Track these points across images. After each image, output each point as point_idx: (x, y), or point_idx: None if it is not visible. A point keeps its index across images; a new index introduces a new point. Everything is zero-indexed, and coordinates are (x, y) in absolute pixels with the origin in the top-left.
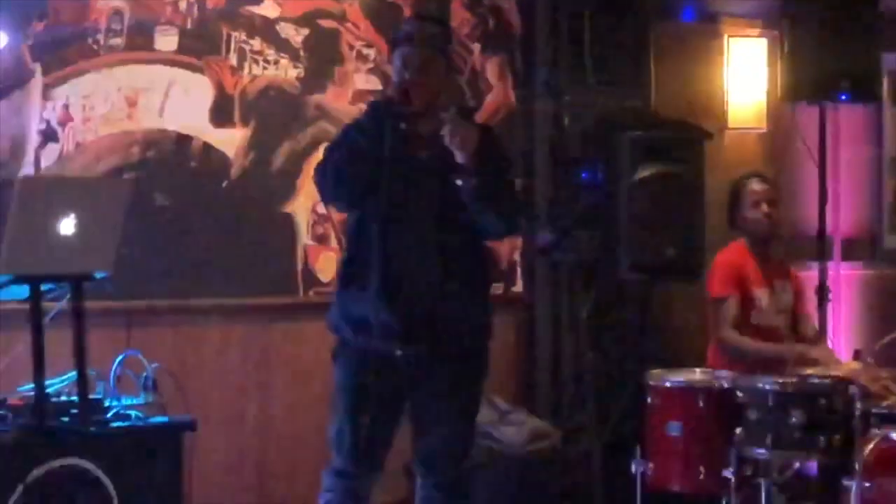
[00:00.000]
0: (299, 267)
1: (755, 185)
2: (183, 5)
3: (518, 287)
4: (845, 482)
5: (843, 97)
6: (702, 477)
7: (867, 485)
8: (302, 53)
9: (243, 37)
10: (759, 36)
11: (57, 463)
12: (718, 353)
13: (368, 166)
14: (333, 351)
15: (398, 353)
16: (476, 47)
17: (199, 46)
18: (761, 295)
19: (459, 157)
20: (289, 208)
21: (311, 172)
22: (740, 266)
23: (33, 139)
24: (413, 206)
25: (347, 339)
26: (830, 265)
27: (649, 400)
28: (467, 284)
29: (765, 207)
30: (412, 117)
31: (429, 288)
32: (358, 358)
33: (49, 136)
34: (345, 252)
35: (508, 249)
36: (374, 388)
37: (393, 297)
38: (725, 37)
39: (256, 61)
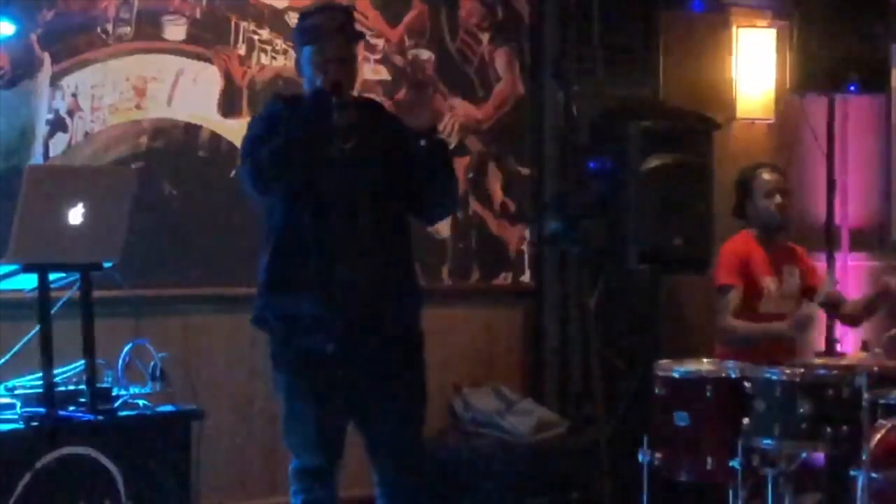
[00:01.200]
0: None
1: (767, 175)
2: None
3: (526, 277)
4: (853, 473)
5: (852, 88)
6: (709, 467)
7: (874, 475)
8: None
9: (252, 27)
10: (769, 26)
11: (65, 451)
12: (722, 344)
13: (304, 157)
14: (272, 350)
15: (329, 348)
16: (485, 37)
17: (208, 36)
18: (769, 283)
19: (416, 131)
20: None
21: None
22: (747, 255)
23: (42, 128)
24: (346, 197)
25: (281, 336)
26: (838, 256)
27: (657, 390)
28: (404, 274)
29: (778, 198)
30: (342, 108)
31: (368, 281)
32: (297, 355)
33: (58, 125)
34: (269, 245)
35: (516, 239)
36: (320, 382)
37: (331, 291)
38: (734, 27)
39: (265, 51)
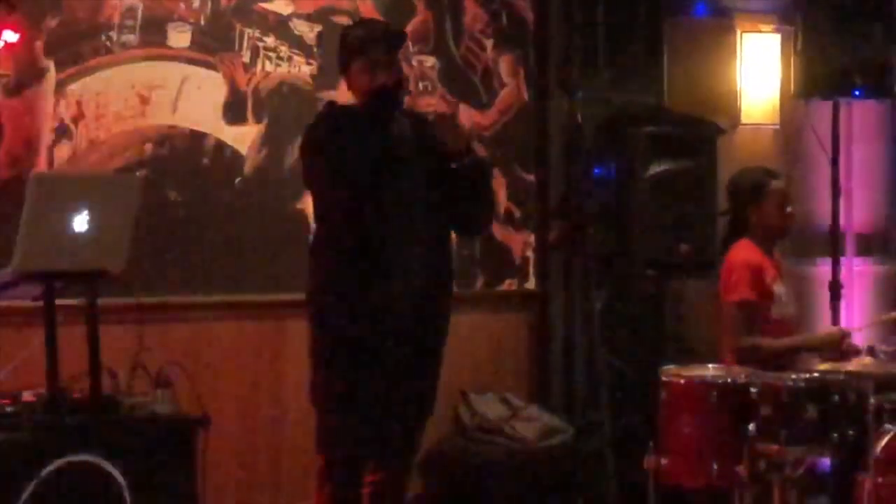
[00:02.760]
0: None
1: (778, 185)
2: (196, 2)
3: (531, 283)
4: (859, 477)
5: (857, 93)
6: (715, 473)
7: (880, 480)
8: (315, 50)
9: (256, 33)
10: (773, 31)
11: (70, 459)
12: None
13: (380, 155)
14: (332, 343)
15: (390, 344)
16: (489, 44)
17: (213, 43)
18: (778, 288)
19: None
20: (301, 205)
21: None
22: (759, 265)
23: (47, 136)
24: (407, 200)
25: (350, 332)
26: (843, 261)
27: (662, 395)
28: (449, 278)
29: (789, 208)
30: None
31: (423, 282)
32: (362, 349)
33: (62, 133)
34: (327, 241)
35: (522, 245)
36: (377, 378)
37: (397, 290)
38: (739, 32)
39: (269, 58)
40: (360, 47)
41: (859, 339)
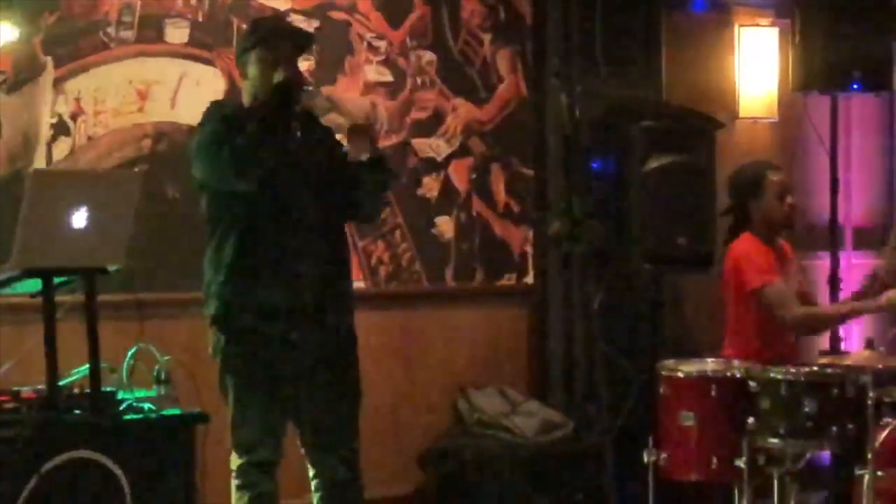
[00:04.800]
0: None
1: (776, 176)
2: None
3: (530, 278)
4: (858, 471)
5: (855, 86)
6: (714, 466)
7: (880, 474)
8: (313, 45)
9: None
10: (771, 25)
11: (70, 455)
12: (741, 344)
13: (272, 144)
14: (226, 348)
15: (294, 335)
16: (487, 38)
17: (210, 39)
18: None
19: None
20: None
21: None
22: (764, 255)
23: (45, 132)
24: (300, 192)
25: (248, 325)
26: (842, 255)
27: (662, 390)
28: (346, 274)
29: (789, 199)
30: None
31: (317, 275)
32: (262, 344)
33: (61, 129)
34: (229, 239)
35: (521, 240)
36: (271, 375)
37: (289, 282)
38: (736, 26)
39: None
40: (268, 39)
41: None
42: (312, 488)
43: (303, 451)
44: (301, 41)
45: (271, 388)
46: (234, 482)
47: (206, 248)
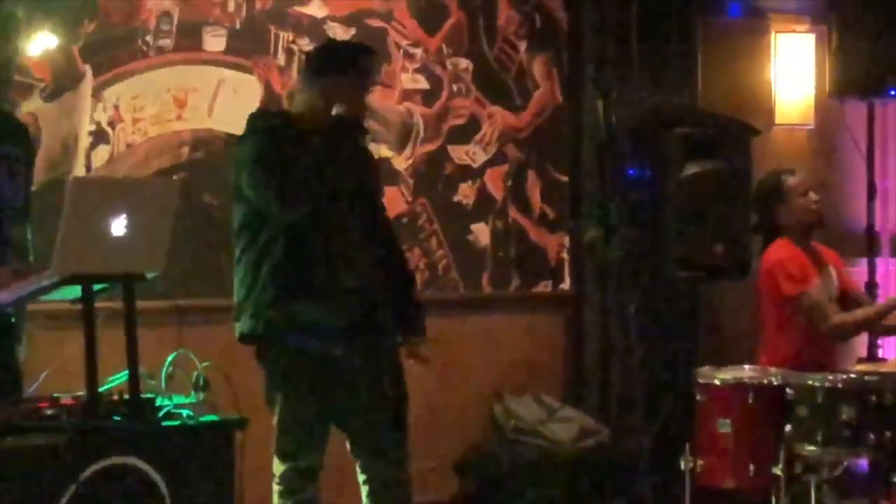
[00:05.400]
0: None
1: (794, 179)
2: (231, 6)
3: (566, 285)
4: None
5: (893, 92)
6: (751, 474)
7: None
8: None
9: (291, 37)
10: (807, 31)
11: (109, 462)
12: (776, 351)
13: (330, 178)
14: (273, 360)
15: (342, 347)
16: (522, 45)
17: (248, 47)
18: (815, 284)
19: None
20: None
21: None
22: (796, 258)
23: (84, 140)
24: (345, 204)
25: (293, 339)
26: (879, 261)
27: (698, 397)
28: (393, 277)
29: (813, 195)
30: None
31: (365, 288)
32: (309, 357)
33: (100, 137)
34: (272, 256)
35: (556, 247)
36: (328, 383)
37: (337, 294)
38: (773, 32)
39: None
40: (363, 65)
41: None
42: (364, 494)
43: (352, 456)
44: (371, 81)
45: (319, 399)
46: (276, 488)
47: (238, 259)
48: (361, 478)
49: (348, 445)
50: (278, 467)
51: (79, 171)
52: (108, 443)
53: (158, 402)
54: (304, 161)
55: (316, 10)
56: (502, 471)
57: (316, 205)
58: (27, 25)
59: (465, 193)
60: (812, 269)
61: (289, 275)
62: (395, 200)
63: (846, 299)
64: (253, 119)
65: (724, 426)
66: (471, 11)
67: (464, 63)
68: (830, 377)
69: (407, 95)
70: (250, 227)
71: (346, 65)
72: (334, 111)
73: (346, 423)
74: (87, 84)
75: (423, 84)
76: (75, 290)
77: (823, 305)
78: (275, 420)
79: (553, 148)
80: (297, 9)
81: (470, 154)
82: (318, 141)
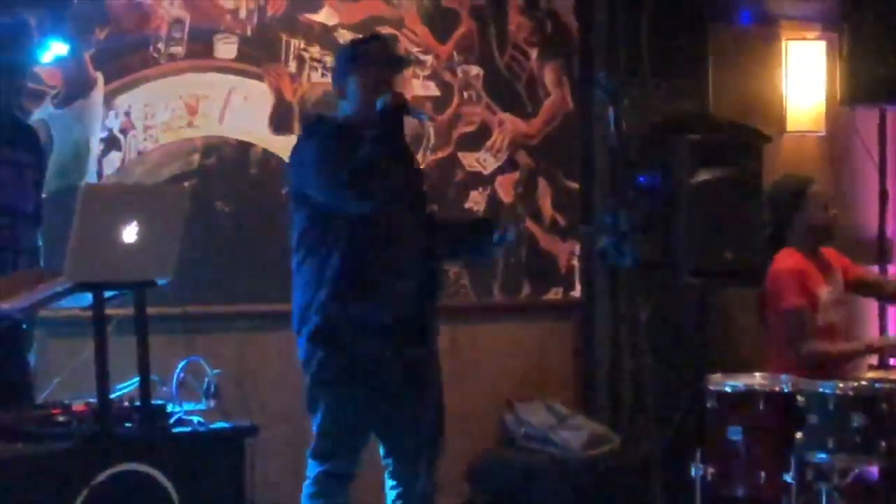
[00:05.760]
0: None
1: (816, 189)
2: (242, 13)
3: (576, 291)
4: None
5: None
6: (762, 482)
7: None
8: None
9: (302, 44)
10: (818, 39)
11: (120, 468)
12: (785, 363)
13: (390, 174)
14: (323, 356)
15: (392, 351)
16: (533, 52)
17: (259, 54)
18: (824, 293)
19: None
20: None
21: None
22: (805, 272)
23: (96, 147)
24: (401, 209)
25: (349, 341)
26: (890, 268)
27: (709, 404)
28: (439, 283)
29: (832, 210)
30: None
31: (418, 292)
32: (361, 360)
33: (111, 143)
34: (333, 256)
35: (567, 254)
36: (375, 387)
37: (392, 298)
38: (784, 39)
39: (315, 68)
40: (369, 62)
41: None
42: (388, 499)
43: (383, 462)
44: (400, 65)
45: (364, 403)
46: (307, 489)
47: (300, 265)
48: (390, 483)
49: (381, 451)
50: (312, 469)
51: (90, 177)
52: (119, 449)
53: (169, 408)
54: (364, 153)
55: (327, 17)
56: (513, 478)
57: (383, 197)
58: (39, 32)
59: (476, 200)
60: (818, 278)
61: (348, 276)
62: None
63: (863, 286)
64: (308, 123)
65: (735, 433)
66: (482, 19)
67: (474, 70)
68: (841, 384)
69: (418, 102)
70: (313, 232)
71: (362, 56)
72: (378, 104)
73: (387, 434)
74: (99, 91)
75: (433, 91)
76: (86, 297)
77: (807, 329)
78: (315, 423)
79: (564, 155)
80: (308, 16)
81: (480, 161)
82: (372, 134)
